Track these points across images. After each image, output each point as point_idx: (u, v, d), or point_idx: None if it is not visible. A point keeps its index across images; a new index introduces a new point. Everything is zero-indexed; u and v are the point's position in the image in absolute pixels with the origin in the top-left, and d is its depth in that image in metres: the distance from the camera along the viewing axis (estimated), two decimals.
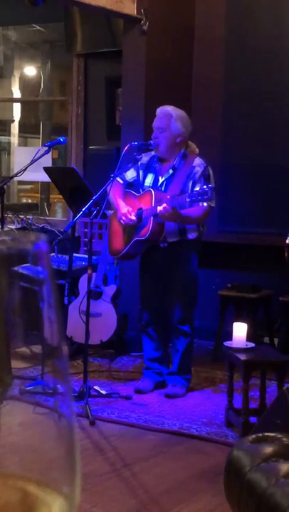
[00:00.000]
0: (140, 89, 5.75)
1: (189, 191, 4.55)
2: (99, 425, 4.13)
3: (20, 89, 8.77)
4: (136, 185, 4.79)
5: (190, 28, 6.16)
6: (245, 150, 5.98)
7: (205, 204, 4.47)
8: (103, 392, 4.63)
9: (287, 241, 4.81)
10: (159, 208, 4.39)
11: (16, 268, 0.52)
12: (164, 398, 4.69)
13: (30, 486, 0.53)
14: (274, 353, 4.42)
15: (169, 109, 4.67)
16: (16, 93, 8.80)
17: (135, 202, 4.72)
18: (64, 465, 0.53)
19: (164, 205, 4.39)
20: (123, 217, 4.64)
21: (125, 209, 4.65)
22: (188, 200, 4.36)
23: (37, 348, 0.54)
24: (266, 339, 5.70)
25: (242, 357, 3.99)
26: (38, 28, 8.21)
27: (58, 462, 0.53)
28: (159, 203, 4.48)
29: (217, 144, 5.87)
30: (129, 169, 4.80)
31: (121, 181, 4.77)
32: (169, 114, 4.63)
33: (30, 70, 9.14)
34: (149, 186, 4.70)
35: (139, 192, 4.76)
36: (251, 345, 4.17)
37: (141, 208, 4.64)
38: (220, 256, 5.67)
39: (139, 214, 4.63)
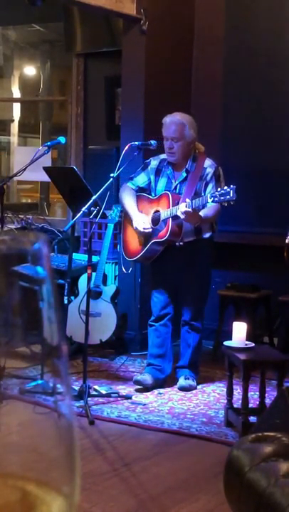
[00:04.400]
0: (140, 89, 5.75)
1: (202, 193, 4.61)
2: (98, 425, 4.13)
3: (19, 89, 8.76)
4: (147, 190, 4.86)
5: (190, 28, 6.16)
6: (245, 150, 5.98)
7: (216, 204, 4.54)
8: (103, 391, 4.63)
9: (286, 241, 4.81)
10: (181, 210, 4.44)
11: (15, 267, 0.52)
12: (163, 398, 4.70)
13: (29, 486, 0.53)
14: (273, 353, 4.42)
15: (180, 117, 4.71)
16: (16, 93, 8.79)
17: (151, 205, 4.79)
18: (64, 465, 0.53)
19: (184, 205, 4.44)
20: (139, 228, 4.71)
21: (140, 218, 4.72)
22: (210, 200, 4.41)
23: (37, 348, 0.54)
24: (266, 339, 5.70)
25: (241, 356, 3.99)
26: (38, 27, 8.20)
27: (58, 462, 0.53)
28: (176, 205, 4.53)
29: (217, 144, 5.86)
30: (139, 174, 4.87)
31: (133, 187, 4.85)
32: (182, 123, 4.67)
33: (30, 70, 9.13)
34: (163, 190, 4.76)
35: (152, 196, 4.82)
36: (251, 344, 4.17)
37: (158, 211, 4.69)
38: (219, 256, 5.67)
39: (157, 217, 4.69)
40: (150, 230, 4.70)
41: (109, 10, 5.48)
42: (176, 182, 4.75)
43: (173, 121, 4.69)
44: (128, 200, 4.82)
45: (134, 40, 5.74)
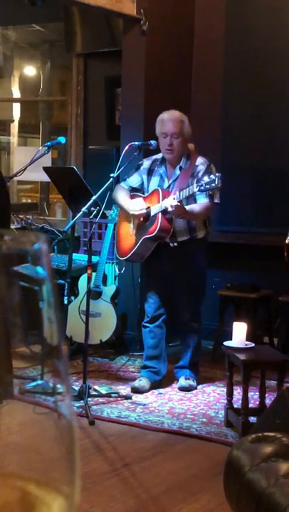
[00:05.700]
0: (140, 89, 5.75)
1: None
2: (98, 425, 4.13)
3: (19, 89, 8.76)
4: (140, 190, 4.87)
5: (190, 28, 6.16)
6: (245, 150, 5.98)
7: (207, 200, 4.56)
8: (103, 391, 4.63)
9: (286, 241, 4.81)
10: (170, 203, 4.44)
11: (15, 267, 0.52)
12: (163, 398, 4.70)
13: (30, 486, 0.53)
14: (274, 353, 4.42)
15: (178, 114, 4.72)
16: (16, 93, 8.78)
17: (143, 202, 4.78)
18: (64, 465, 0.53)
19: (173, 197, 4.45)
20: (135, 211, 4.70)
21: (134, 204, 4.70)
22: (196, 189, 4.41)
23: (36, 348, 0.54)
24: (266, 339, 5.70)
25: (241, 357, 3.99)
26: (38, 27, 8.19)
27: (58, 462, 0.53)
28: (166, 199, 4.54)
29: (217, 144, 5.87)
30: (132, 175, 4.88)
31: (125, 187, 4.86)
32: (182, 120, 4.69)
33: (30, 70, 9.12)
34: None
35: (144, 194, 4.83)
36: (251, 344, 4.17)
37: (149, 207, 4.69)
38: (219, 255, 5.67)
39: (148, 212, 4.69)
40: (144, 211, 4.67)
41: (109, 10, 5.48)
42: (170, 181, 4.74)
43: (172, 117, 4.69)
44: (121, 195, 4.82)
45: (134, 40, 5.74)
